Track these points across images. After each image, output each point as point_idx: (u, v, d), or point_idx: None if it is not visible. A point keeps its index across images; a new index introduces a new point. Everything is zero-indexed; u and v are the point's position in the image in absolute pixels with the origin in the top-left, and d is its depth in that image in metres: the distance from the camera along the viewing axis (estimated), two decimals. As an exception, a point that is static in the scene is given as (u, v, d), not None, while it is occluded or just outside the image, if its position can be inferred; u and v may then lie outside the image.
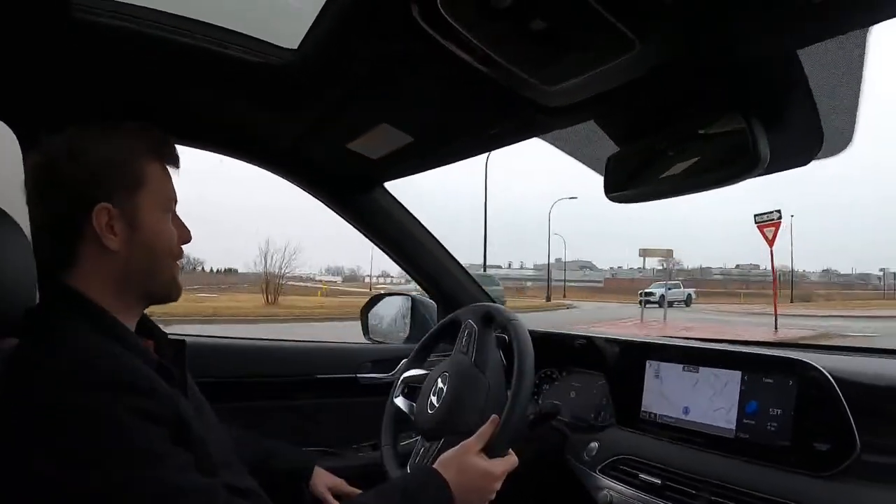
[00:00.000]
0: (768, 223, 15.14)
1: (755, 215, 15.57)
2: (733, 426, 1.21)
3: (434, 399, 1.21)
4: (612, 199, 1.19)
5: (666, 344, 1.49)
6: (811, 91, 0.89)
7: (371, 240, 1.91)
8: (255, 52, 1.10)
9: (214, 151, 1.58)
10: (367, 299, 2.21)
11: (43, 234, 0.88)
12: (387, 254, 1.96)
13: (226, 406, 1.14)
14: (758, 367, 1.21)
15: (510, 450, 1.06)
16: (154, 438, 0.75)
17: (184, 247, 0.97)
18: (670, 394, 1.37)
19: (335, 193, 1.80)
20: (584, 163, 1.41)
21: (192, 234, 0.98)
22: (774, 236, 15.05)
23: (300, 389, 1.74)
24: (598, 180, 1.23)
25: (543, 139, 1.34)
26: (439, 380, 1.23)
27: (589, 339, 1.71)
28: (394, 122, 1.34)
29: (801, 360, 1.13)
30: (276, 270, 28.30)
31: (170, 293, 0.94)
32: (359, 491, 1.24)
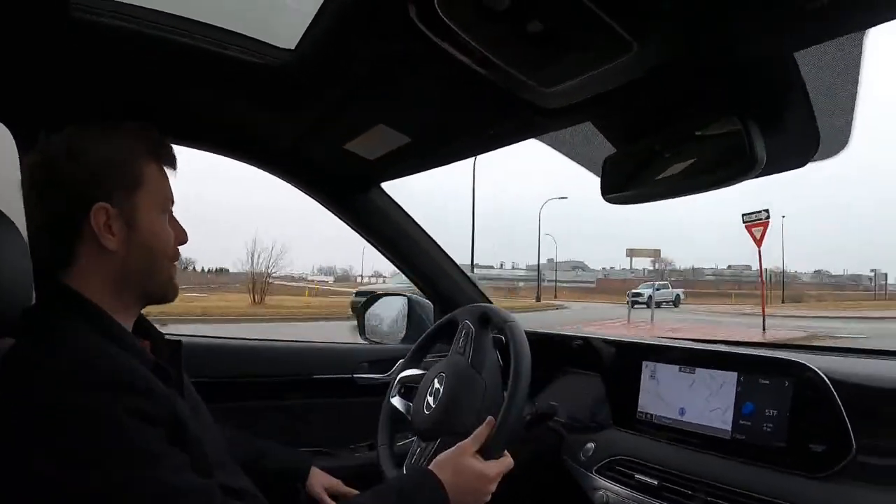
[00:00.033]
0: (756, 223, 15.21)
1: (743, 215, 15.63)
2: (729, 427, 1.21)
3: (430, 399, 1.22)
4: (609, 201, 1.19)
5: (662, 345, 1.49)
6: (808, 93, 0.89)
7: (368, 240, 1.90)
8: (253, 52, 1.10)
9: (211, 151, 1.57)
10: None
11: (41, 233, 0.88)
12: (383, 254, 1.96)
13: (222, 406, 1.14)
14: (754, 369, 1.21)
15: (506, 451, 1.06)
16: (151, 439, 0.75)
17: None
18: (666, 395, 1.37)
19: (332, 194, 1.80)
20: (581, 164, 1.41)
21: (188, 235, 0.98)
22: (762, 236, 15.12)
23: (297, 390, 1.74)
24: (593, 182, 1.23)
25: (541, 140, 1.34)
26: (436, 380, 1.23)
27: (586, 339, 1.71)
28: (391, 123, 1.34)
29: (796, 362, 1.14)
30: (264, 270, 28.23)
31: (166, 293, 0.95)
32: (356, 492, 1.24)
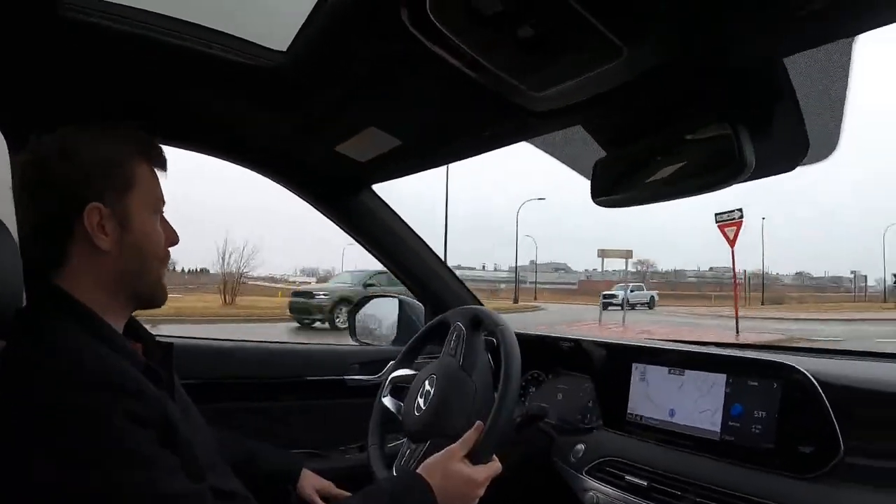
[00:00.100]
0: (729, 223, 15.02)
1: (716, 214, 15.40)
2: (718, 428, 1.22)
3: (421, 401, 1.22)
4: (599, 204, 1.19)
5: (652, 347, 1.50)
6: (797, 97, 0.90)
7: (359, 241, 1.90)
8: (245, 53, 1.10)
9: (202, 152, 1.56)
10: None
11: (33, 234, 0.87)
12: (374, 255, 1.96)
13: (213, 407, 1.13)
14: (742, 370, 1.22)
15: (494, 456, 1.06)
16: (142, 441, 0.75)
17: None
18: (656, 396, 1.38)
19: (323, 195, 1.80)
20: (571, 167, 1.41)
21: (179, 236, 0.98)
22: (735, 236, 14.93)
23: (287, 391, 1.74)
24: (583, 184, 1.24)
25: (531, 143, 1.34)
26: (427, 382, 1.23)
27: (576, 341, 1.72)
28: (382, 126, 1.34)
29: (785, 364, 1.15)
30: (235, 270, 27.95)
31: (155, 295, 0.94)
32: (347, 493, 1.24)
